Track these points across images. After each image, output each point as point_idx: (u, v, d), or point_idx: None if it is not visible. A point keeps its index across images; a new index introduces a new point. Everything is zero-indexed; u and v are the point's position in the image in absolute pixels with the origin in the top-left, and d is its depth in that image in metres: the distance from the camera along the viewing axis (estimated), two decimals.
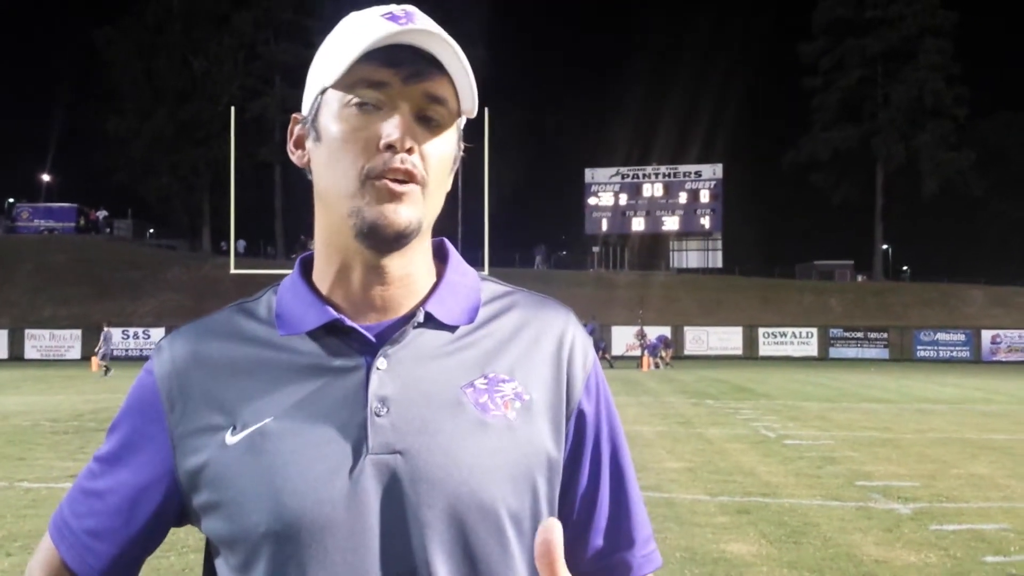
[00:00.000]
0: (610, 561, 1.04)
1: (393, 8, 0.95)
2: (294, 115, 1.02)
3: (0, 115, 79.14)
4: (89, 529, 1.00)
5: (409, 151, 0.91)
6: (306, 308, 0.98)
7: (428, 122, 0.94)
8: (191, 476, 0.95)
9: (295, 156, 1.01)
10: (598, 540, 1.03)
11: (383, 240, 0.93)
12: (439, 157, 0.95)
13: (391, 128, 0.91)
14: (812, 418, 14.14)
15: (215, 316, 1.04)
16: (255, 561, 0.91)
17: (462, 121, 1.00)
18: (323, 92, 0.96)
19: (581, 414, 1.02)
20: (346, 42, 0.92)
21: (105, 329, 26.68)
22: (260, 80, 54.21)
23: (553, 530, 0.73)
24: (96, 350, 26.31)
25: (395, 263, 0.96)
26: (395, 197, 0.91)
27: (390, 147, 0.90)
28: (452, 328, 0.99)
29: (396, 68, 0.91)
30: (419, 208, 0.93)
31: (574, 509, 1.03)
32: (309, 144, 0.98)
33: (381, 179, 0.91)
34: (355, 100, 0.92)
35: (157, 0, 53.26)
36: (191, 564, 5.37)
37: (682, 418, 13.79)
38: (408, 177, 0.92)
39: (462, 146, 1.03)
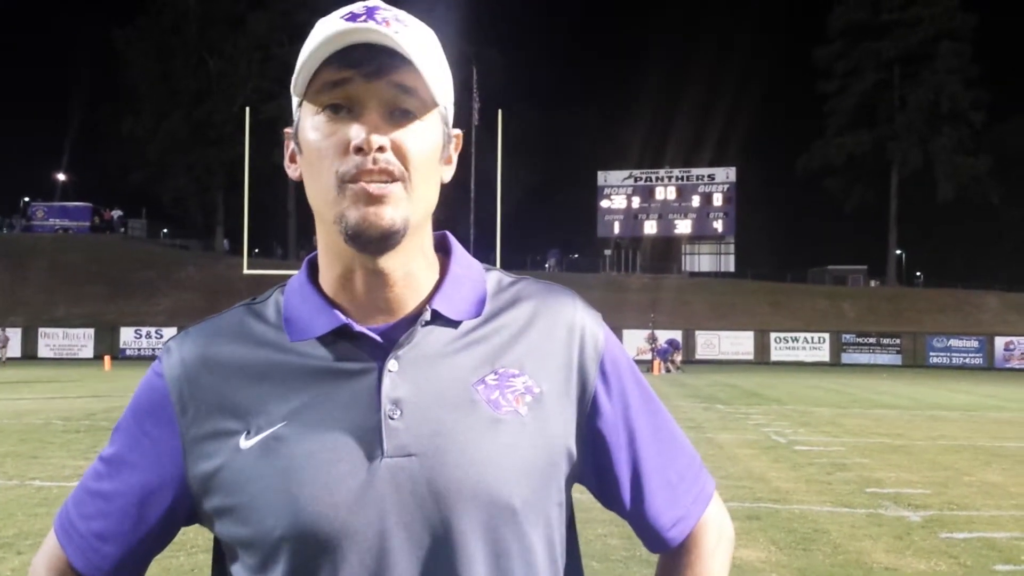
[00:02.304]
0: (690, 519, 1.07)
1: (354, 7, 0.93)
2: (286, 130, 1.01)
3: (17, 114, 79.87)
4: (96, 531, 1.00)
5: (380, 150, 0.89)
6: (314, 313, 0.97)
7: (404, 115, 0.92)
8: (203, 480, 0.95)
9: (290, 171, 1.01)
10: (671, 511, 1.05)
11: (369, 242, 0.91)
12: (419, 150, 0.92)
13: (358, 130, 0.90)
14: (823, 424, 14.07)
15: (224, 317, 1.03)
16: (273, 563, 0.91)
17: (446, 109, 0.98)
18: (300, 105, 0.96)
19: (597, 397, 1.01)
20: (308, 51, 0.91)
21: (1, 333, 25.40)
22: (275, 82, 54.38)
23: None
24: None
25: (393, 263, 0.95)
26: (374, 200, 0.90)
27: (359, 149, 0.89)
28: (459, 323, 0.98)
29: (357, 67, 0.90)
30: (403, 207, 0.91)
31: (624, 490, 1.04)
32: (299, 158, 0.98)
33: (357, 182, 0.89)
34: (324, 107, 0.92)
35: (174, 1, 53.63)
36: (199, 564, 5.39)
37: (692, 423, 13.74)
38: (387, 176, 0.90)
39: (456, 133, 1.02)
